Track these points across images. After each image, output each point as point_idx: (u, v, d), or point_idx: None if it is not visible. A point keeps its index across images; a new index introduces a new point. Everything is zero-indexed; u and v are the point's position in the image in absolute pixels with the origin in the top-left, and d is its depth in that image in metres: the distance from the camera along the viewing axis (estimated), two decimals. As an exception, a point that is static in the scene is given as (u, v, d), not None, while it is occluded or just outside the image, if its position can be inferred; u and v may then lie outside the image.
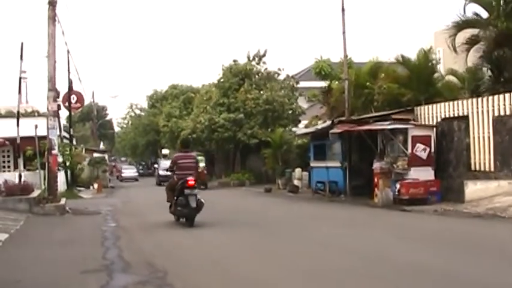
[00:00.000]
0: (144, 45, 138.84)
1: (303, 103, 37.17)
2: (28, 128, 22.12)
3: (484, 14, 19.12)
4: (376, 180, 18.21)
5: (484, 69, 20.07)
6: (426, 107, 19.79)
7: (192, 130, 38.31)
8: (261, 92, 36.26)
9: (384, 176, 18.00)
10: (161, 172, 39.54)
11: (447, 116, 18.71)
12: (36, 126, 22.01)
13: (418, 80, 21.10)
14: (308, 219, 15.50)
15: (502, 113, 16.79)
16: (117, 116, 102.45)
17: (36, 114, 37.75)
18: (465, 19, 19.20)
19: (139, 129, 67.26)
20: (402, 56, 22.19)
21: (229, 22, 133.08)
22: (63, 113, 33.04)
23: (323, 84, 28.84)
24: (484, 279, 7.11)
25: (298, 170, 28.04)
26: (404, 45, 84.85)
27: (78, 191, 29.47)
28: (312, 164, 25.04)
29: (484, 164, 17.10)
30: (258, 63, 38.46)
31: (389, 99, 21.65)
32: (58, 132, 19.96)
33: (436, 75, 22.25)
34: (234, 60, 38.74)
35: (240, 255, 9.55)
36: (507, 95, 16.79)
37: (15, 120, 20.97)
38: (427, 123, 19.31)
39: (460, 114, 18.11)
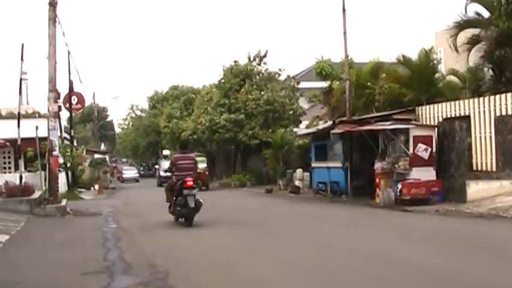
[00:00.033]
0: (144, 46, 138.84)
1: (303, 103, 37.15)
2: (29, 129, 22.12)
3: (486, 14, 19.10)
4: (377, 180, 18.18)
5: (485, 69, 20.03)
6: (427, 107, 19.75)
7: (193, 131, 38.28)
8: (262, 93, 36.22)
9: (386, 176, 17.97)
10: (162, 173, 39.48)
11: (449, 116, 18.68)
12: (37, 128, 22.01)
13: (419, 80, 21.05)
14: (309, 219, 15.50)
15: (503, 113, 16.74)
16: (118, 117, 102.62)
17: (37, 115, 37.79)
18: (466, 19, 19.17)
19: (140, 130, 67.24)
20: (403, 56, 22.15)
21: (230, 22, 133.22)
22: (64, 114, 33.07)
23: (324, 84, 28.82)
24: (484, 279, 7.08)
25: (299, 171, 28.00)
26: (405, 45, 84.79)
27: (79, 192, 29.45)
28: (313, 165, 25.00)
29: (486, 164, 17.06)
30: (259, 64, 38.43)
31: (391, 99, 21.61)
32: (59, 133, 19.93)
33: (437, 75, 22.20)
34: (235, 61, 38.71)
35: (241, 255, 9.54)
36: (509, 94, 16.74)
37: (16, 121, 20.95)
38: (428, 123, 19.28)
39: (462, 114, 18.07)
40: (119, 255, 9.21)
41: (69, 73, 31.78)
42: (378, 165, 18.31)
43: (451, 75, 22.50)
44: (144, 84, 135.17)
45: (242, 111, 35.69)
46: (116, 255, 9.28)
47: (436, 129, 18.50)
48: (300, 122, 35.92)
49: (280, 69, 38.29)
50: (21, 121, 21.11)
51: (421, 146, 17.95)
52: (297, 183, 27.54)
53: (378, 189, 18.14)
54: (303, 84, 37.77)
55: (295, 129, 33.34)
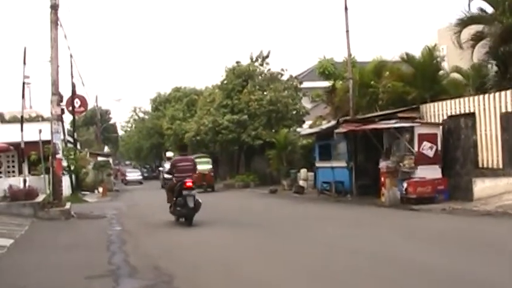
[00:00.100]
0: (146, 48, 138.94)
1: (306, 103, 37.07)
2: (32, 132, 22.10)
3: (489, 10, 18.96)
4: (382, 179, 18.09)
5: (489, 65, 19.89)
6: (432, 104, 19.61)
7: (196, 132, 38.24)
8: (265, 93, 36.13)
9: (391, 175, 17.88)
10: (166, 175, 39.50)
11: (453, 113, 18.52)
12: (40, 131, 22.00)
13: (423, 78, 20.92)
14: (313, 219, 15.46)
15: (509, 110, 16.57)
16: (121, 119, 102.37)
17: (40, 119, 37.81)
18: (470, 15, 19.03)
19: (143, 132, 67.25)
20: (407, 54, 22.01)
21: (232, 23, 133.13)
22: (67, 118, 33.05)
23: (326, 84, 28.71)
24: (491, 277, 7.01)
25: (303, 171, 27.91)
26: (407, 43, 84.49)
27: (83, 195, 29.38)
28: (317, 165, 24.91)
29: (492, 161, 16.90)
30: (261, 64, 38.37)
31: (394, 97, 21.48)
32: (62, 137, 19.90)
33: (441, 72, 22.06)
34: (237, 62, 38.68)
35: (245, 256, 9.50)
36: (514, 91, 16.60)
37: (19, 125, 20.92)
38: (433, 121, 19.13)
39: (467, 111, 17.91)
40: (123, 259, 9.14)
41: (72, 76, 31.65)
42: (382, 164, 18.23)
43: (454, 73, 22.36)
44: (146, 87, 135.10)
45: (245, 111, 35.61)
46: (121, 258, 9.20)
47: (440, 127, 18.39)
48: (303, 122, 35.81)
49: (282, 69, 38.24)
50: (25, 125, 21.09)
51: (426, 144, 17.86)
52: (301, 183, 27.43)
53: (383, 188, 18.05)
54: (306, 84, 37.69)
55: (298, 129, 33.25)
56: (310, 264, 8.43)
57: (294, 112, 36.17)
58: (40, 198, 17.61)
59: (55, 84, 18.15)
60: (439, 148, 17.95)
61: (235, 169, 39.72)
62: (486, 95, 17.52)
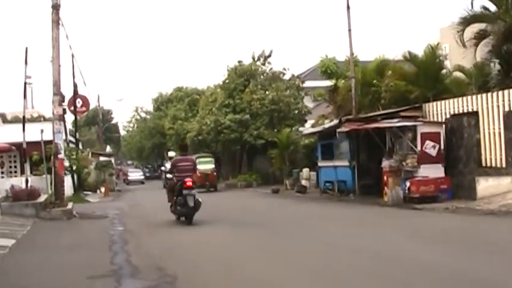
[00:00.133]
0: (148, 48, 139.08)
1: (308, 103, 37.02)
2: (34, 133, 22.11)
3: (493, 8, 18.89)
4: (385, 178, 18.02)
5: (492, 64, 19.82)
6: (434, 103, 19.55)
7: (198, 132, 38.20)
8: (267, 92, 36.09)
9: (394, 174, 17.81)
10: (168, 175, 39.47)
11: (456, 112, 18.46)
12: (42, 131, 22.00)
13: (426, 77, 20.87)
14: (316, 219, 15.45)
15: (512, 108, 16.53)
16: (123, 119, 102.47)
17: (42, 119, 37.81)
18: (473, 14, 18.96)
19: (145, 132, 67.26)
20: (409, 53, 21.96)
21: (234, 22, 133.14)
22: (69, 117, 33.02)
23: (328, 83, 28.67)
24: (493, 276, 6.98)
25: (305, 170, 27.86)
26: (410, 42, 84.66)
27: (85, 195, 29.38)
28: (319, 164, 24.85)
29: (495, 160, 16.84)
30: (263, 64, 38.33)
31: (397, 96, 21.43)
32: (64, 137, 19.88)
33: (443, 71, 22.00)
34: (239, 61, 38.65)
35: (247, 255, 9.48)
36: (517, 89, 16.54)
37: (21, 125, 20.91)
38: (435, 120, 19.07)
39: (470, 110, 17.85)
40: (125, 259, 9.10)
41: (74, 76, 31.67)
42: (385, 163, 18.16)
43: (457, 71, 22.30)
44: (148, 86, 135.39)
45: (247, 111, 35.57)
46: (123, 258, 9.16)
47: (443, 125, 18.33)
48: (306, 121, 35.78)
49: (284, 69, 38.21)
50: (27, 125, 21.11)
51: (429, 143, 17.81)
52: (303, 182, 27.40)
53: (385, 188, 17.98)
54: (308, 84, 37.65)
55: (300, 129, 33.21)
56: (312, 263, 8.40)
57: (296, 111, 36.12)
58: (42, 198, 17.57)
59: (57, 84, 18.12)
60: (442, 147, 17.89)
61: (238, 169, 39.68)
62: (489, 94, 17.46)
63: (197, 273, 7.95)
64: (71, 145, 30.90)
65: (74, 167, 29.13)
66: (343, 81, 26.42)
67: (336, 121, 22.26)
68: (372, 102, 23.04)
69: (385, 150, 18.95)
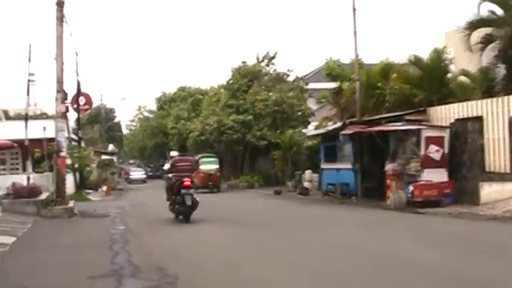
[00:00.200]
0: (152, 47, 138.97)
1: (312, 104, 36.97)
2: (36, 130, 22.06)
3: (500, 12, 18.79)
4: (388, 182, 17.95)
5: (497, 69, 19.73)
6: (439, 107, 19.48)
7: (201, 132, 38.13)
8: (270, 94, 36.05)
9: (397, 177, 17.74)
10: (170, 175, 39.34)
11: (461, 116, 18.38)
12: (44, 129, 21.97)
13: (431, 80, 20.80)
14: (317, 220, 15.46)
15: (517, 114, 16.43)
16: (126, 118, 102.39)
17: (44, 116, 37.77)
18: (480, 18, 18.89)
19: (148, 131, 67.19)
20: (414, 56, 21.91)
21: (238, 23, 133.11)
22: (72, 115, 33.00)
23: (332, 85, 28.60)
24: (493, 277, 7.07)
25: (308, 172, 27.79)
26: (414, 46, 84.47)
27: (86, 194, 29.33)
28: (322, 166, 24.79)
29: (499, 165, 16.76)
30: (267, 65, 38.30)
31: (401, 99, 21.36)
32: (66, 134, 19.78)
33: (448, 75, 21.92)
34: (243, 62, 38.67)
35: (248, 256, 9.46)
36: (523, 94, 16.45)
37: (23, 122, 20.85)
38: (440, 124, 19.00)
39: (474, 114, 17.76)
40: (126, 258, 9.02)
41: (77, 74, 31.65)
42: (388, 167, 18.10)
43: (461, 76, 22.23)
44: (151, 86, 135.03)
45: (250, 112, 35.54)
46: (124, 258, 9.09)
47: (448, 130, 18.25)
48: (309, 123, 35.74)
49: (288, 70, 38.21)
50: (29, 122, 21.02)
51: (433, 147, 17.74)
52: (305, 184, 27.32)
53: (388, 191, 17.90)
54: (312, 85, 37.62)
55: (304, 130, 33.15)
56: (312, 263, 8.46)
57: (300, 113, 36.08)
58: (43, 196, 17.49)
59: (60, 81, 18.06)
60: (446, 151, 17.80)
61: (240, 169, 39.61)
62: (494, 99, 17.38)
63: (198, 273, 7.92)
64: (73, 143, 30.87)
65: (76, 165, 29.10)
66: (347, 83, 26.35)
67: (339, 123, 22.22)
68: (376, 105, 22.98)
69: (388, 153, 18.87)
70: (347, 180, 21.76)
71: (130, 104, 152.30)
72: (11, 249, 10.22)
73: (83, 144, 35.02)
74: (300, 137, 31.59)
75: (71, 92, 29.22)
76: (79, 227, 14.69)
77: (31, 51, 20.88)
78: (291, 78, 38.05)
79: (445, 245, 10.11)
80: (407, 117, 18.96)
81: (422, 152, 17.70)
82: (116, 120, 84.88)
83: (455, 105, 18.83)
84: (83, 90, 32.21)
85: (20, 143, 22.09)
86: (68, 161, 23.34)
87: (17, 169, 29.39)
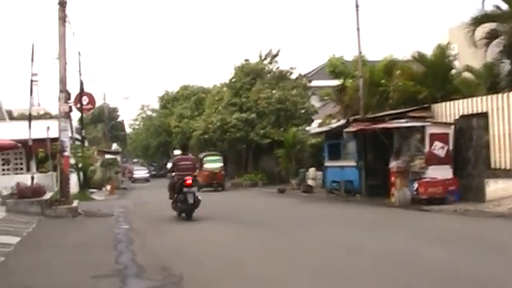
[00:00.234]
0: (154, 46, 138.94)
1: (315, 102, 36.87)
2: (40, 130, 22.06)
3: (504, 7, 18.67)
4: (392, 179, 17.87)
5: (502, 65, 19.62)
6: (443, 104, 19.37)
7: (204, 131, 38.10)
8: (273, 91, 35.97)
9: (401, 175, 17.67)
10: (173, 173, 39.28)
11: (465, 113, 18.27)
12: (48, 128, 21.97)
13: (435, 77, 20.70)
14: (322, 219, 15.43)
15: (523, 109, 16.33)
16: (129, 117, 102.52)
17: (48, 116, 37.80)
18: (484, 13, 18.79)
19: (151, 130, 67.18)
20: (418, 53, 21.80)
21: (241, 21, 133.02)
22: (75, 115, 32.96)
23: (336, 83, 28.53)
24: (499, 275, 7.03)
25: (312, 170, 27.71)
26: (418, 42, 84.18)
27: (90, 193, 29.31)
28: (326, 164, 24.73)
29: (505, 161, 16.65)
30: (270, 63, 38.22)
31: (405, 96, 21.27)
32: (70, 134, 19.79)
33: (453, 71, 21.82)
34: (246, 60, 38.59)
35: (252, 255, 9.44)
36: (528, 90, 16.35)
37: (27, 122, 20.84)
38: (444, 120, 18.89)
39: (479, 111, 17.66)
40: (131, 258, 8.98)
41: (80, 73, 31.66)
42: (393, 164, 18.01)
43: (466, 72, 22.12)
44: (154, 84, 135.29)
45: (253, 110, 35.47)
46: (128, 257, 9.05)
47: (452, 126, 18.15)
48: (312, 120, 35.66)
49: (291, 68, 38.12)
50: (33, 122, 21.02)
51: (438, 144, 17.63)
52: (309, 182, 27.26)
53: (393, 189, 17.83)
54: (315, 83, 37.55)
55: (307, 128, 33.08)
56: (315, 262, 8.47)
57: (303, 111, 35.99)
58: (47, 195, 17.48)
59: (63, 81, 18.03)
60: (451, 148, 17.72)
61: (243, 168, 39.56)
62: (499, 95, 17.28)
63: (202, 273, 7.89)
64: (77, 143, 30.84)
65: (80, 165, 29.08)
66: (350, 80, 26.26)
67: (343, 121, 22.14)
68: (379, 102, 22.91)
69: (392, 150, 18.78)
70: (351, 178, 21.69)
71: (133, 103, 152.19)
72: (15, 250, 10.18)
73: (86, 144, 35.06)
74: (303, 134, 31.52)
75: (74, 92, 29.33)
76: (83, 226, 14.67)
77: (34, 51, 20.83)
78: (294, 76, 37.97)
79: (450, 242, 10.06)
80: (411, 114, 18.85)
81: (426, 149, 17.61)
82: (119, 119, 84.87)
83: (460, 101, 18.73)
84: (86, 89, 32.25)
85: (23, 143, 22.06)
86: (72, 161, 23.32)
87: (21, 169, 29.38)
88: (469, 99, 18.38)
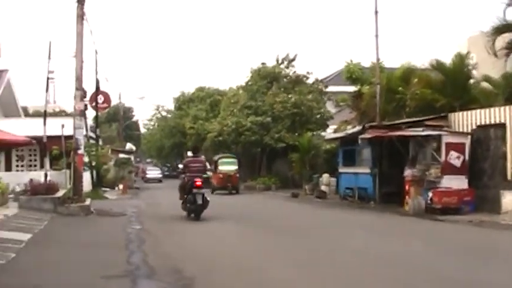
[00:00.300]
0: (171, 47, 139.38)
1: (330, 108, 36.71)
2: (55, 127, 22.10)
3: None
4: (407, 187, 17.72)
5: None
6: (461, 113, 19.15)
7: (219, 133, 38.06)
8: (289, 96, 35.84)
9: (416, 183, 17.51)
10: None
11: (483, 123, 18.05)
12: (63, 126, 22.00)
13: (453, 86, 20.46)
14: (335, 225, 15.40)
15: (541, 121, 16.10)
16: (144, 117, 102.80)
17: (63, 114, 37.95)
18: (505, 23, 18.53)
19: (166, 131, 67.28)
20: (437, 61, 21.58)
21: (259, 24, 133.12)
22: (90, 113, 33.03)
23: (352, 88, 28.31)
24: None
25: (325, 176, 27.52)
26: (436, 50, 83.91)
27: (103, 192, 29.35)
28: (340, 170, 24.57)
29: (522, 173, 16.42)
30: (287, 67, 38.12)
31: (422, 104, 21.03)
32: (84, 132, 19.80)
33: (471, 81, 21.58)
34: (263, 63, 38.49)
35: (265, 259, 9.35)
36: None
37: (42, 119, 20.90)
38: (461, 130, 18.69)
39: (497, 121, 17.42)
40: (142, 259, 8.93)
41: (96, 72, 31.75)
42: (408, 172, 17.85)
43: (484, 82, 21.86)
44: (170, 85, 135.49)
45: (269, 114, 35.38)
46: (140, 258, 9.00)
47: (469, 136, 17.95)
48: (327, 126, 35.49)
49: (308, 72, 37.96)
50: (48, 119, 21.06)
51: (454, 154, 17.48)
52: (323, 188, 27.07)
53: (407, 197, 17.69)
54: (331, 88, 37.33)
55: (322, 134, 32.91)
56: (326, 267, 8.52)
57: (318, 116, 35.84)
58: (60, 193, 17.53)
59: (79, 79, 18.07)
60: (467, 158, 17.52)
61: (257, 171, 39.45)
62: (517, 106, 17.03)
63: (215, 276, 7.83)
64: (91, 141, 30.91)
65: (93, 163, 29.14)
66: (367, 87, 26.05)
67: (358, 127, 21.99)
68: (396, 110, 22.70)
69: (408, 158, 18.62)
70: (365, 185, 21.54)
71: (148, 104, 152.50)
72: (26, 246, 10.17)
73: (100, 143, 35.10)
74: (318, 140, 31.37)
75: (90, 90, 29.32)
76: (95, 225, 14.69)
77: (51, 48, 20.90)
78: (310, 81, 37.83)
79: (465, 253, 9.96)
80: (428, 123, 18.67)
81: (442, 158, 17.44)
82: (134, 119, 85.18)
83: (478, 111, 18.49)
84: (101, 88, 32.27)
85: (38, 139, 22.11)
86: (86, 159, 23.38)
87: (35, 166, 29.47)
88: (487, 110, 18.15)
